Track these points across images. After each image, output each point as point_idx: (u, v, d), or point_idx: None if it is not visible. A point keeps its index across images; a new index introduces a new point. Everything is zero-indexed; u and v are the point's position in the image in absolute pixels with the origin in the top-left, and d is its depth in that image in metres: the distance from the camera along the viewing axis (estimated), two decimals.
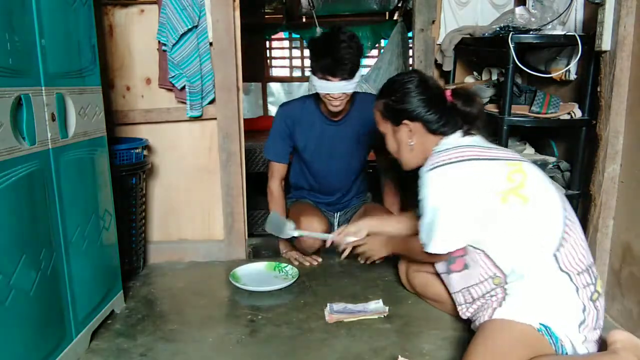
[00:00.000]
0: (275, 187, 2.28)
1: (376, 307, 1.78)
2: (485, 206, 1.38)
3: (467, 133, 1.54)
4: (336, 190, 2.34)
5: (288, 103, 2.30)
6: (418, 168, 1.57)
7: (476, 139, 1.52)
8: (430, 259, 1.57)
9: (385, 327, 1.67)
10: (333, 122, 2.20)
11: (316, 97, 2.19)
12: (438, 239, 1.45)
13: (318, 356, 1.51)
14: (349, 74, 1.95)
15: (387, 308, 1.76)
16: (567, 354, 1.29)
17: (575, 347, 1.29)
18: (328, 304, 1.79)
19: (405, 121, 1.54)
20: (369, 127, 2.23)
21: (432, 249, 1.47)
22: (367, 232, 1.89)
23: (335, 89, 1.97)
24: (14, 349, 1.20)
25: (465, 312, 1.55)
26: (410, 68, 3.88)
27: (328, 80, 1.96)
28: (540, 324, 1.29)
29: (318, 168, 2.28)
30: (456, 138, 1.52)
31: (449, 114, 1.53)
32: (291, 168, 2.38)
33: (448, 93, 1.56)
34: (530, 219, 1.37)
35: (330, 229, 2.28)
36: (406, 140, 1.57)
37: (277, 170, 2.28)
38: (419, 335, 1.62)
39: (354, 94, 2.20)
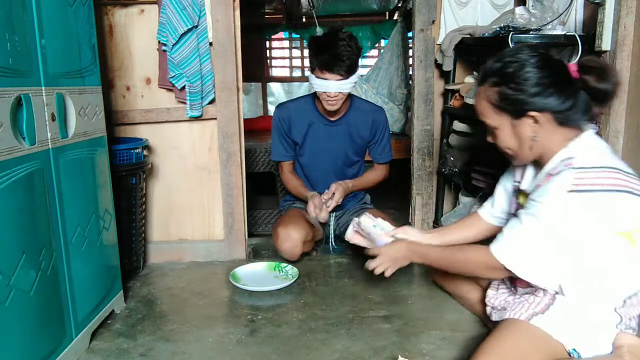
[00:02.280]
0: (287, 176, 2.32)
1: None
2: (595, 240, 1.20)
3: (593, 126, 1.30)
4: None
5: (283, 104, 2.32)
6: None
7: (615, 157, 1.25)
8: (489, 272, 1.34)
9: (385, 327, 1.67)
10: (330, 122, 2.22)
11: (314, 97, 2.21)
12: (524, 258, 1.24)
13: (318, 356, 1.51)
14: (347, 71, 1.97)
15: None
16: None
17: None
18: (355, 219, 1.75)
19: (532, 112, 1.24)
20: (365, 130, 2.25)
21: (509, 260, 1.26)
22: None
23: (333, 87, 1.99)
24: (14, 349, 1.20)
25: (494, 298, 1.50)
26: (410, 68, 3.88)
27: (325, 78, 1.98)
28: (573, 349, 1.24)
29: (313, 167, 2.30)
30: (595, 142, 1.26)
31: (579, 97, 1.23)
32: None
33: (574, 68, 1.24)
34: (628, 262, 1.22)
35: (314, 233, 2.28)
36: (530, 136, 1.27)
37: (285, 165, 2.34)
38: (419, 335, 1.62)
39: (352, 96, 2.22)
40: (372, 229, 1.69)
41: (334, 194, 2.15)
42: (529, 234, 1.24)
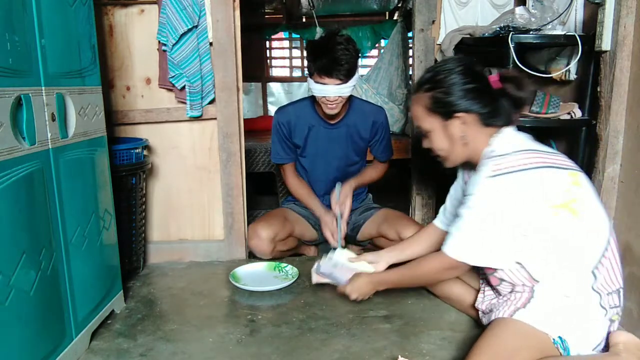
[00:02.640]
0: (293, 182, 2.33)
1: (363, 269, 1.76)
2: (536, 218, 1.28)
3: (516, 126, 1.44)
4: (331, 189, 2.34)
5: (283, 108, 2.32)
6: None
7: (533, 142, 1.39)
8: (449, 272, 1.44)
9: (385, 327, 1.67)
10: (330, 125, 2.22)
11: (313, 100, 2.21)
12: (473, 247, 1.33)
13: (318, 356, 1.51)
14: (345, 76, 1.96)
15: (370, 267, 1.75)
16: None
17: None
18: (315, 263, 1.81)
19: (459, 114, 1.39)
20: (365, 131, 2.26)
21: (460, 254, 1.35)
22: (386, 265, 1.78)
23: (332, 92, 1.98)
24: (13, 349, 1.20)
25: (479, 303, 1.55)
26: (410, 68, 3.88)
27: (324, 83, 1.97)
28: (559, 337, 1.27)
29: (316, 168, 2.30)
30: (513, 135, 1.39)
31: (500, 102, 1.40)
32: None
33: (496, 78, 1.41)
34: (576, 233, 1.29)
35: (294, 232, 2.29)
36: (458, 135, 1.41)
37: (289, 168, 2.33)
38: (419, 335, 1.62)
39: (351, 97, 2.23)
40: (332, 269, 1.79)
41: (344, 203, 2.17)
42: (470, 224, 1.33)
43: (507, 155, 1.30)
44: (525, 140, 1.38)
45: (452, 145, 1.44)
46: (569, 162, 1.34)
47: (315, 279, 1.81)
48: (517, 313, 1.33)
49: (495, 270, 1.41)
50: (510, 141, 1.37)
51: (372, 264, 1.79)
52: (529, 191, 1.26)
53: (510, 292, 1.42)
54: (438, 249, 1.72)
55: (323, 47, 1.96)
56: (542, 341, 1.27)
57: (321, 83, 1.98)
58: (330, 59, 1.93)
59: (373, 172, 2.38)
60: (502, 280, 1.43)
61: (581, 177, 1.32)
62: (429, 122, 1.46)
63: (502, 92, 1.39)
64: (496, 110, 1.39)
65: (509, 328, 1.31)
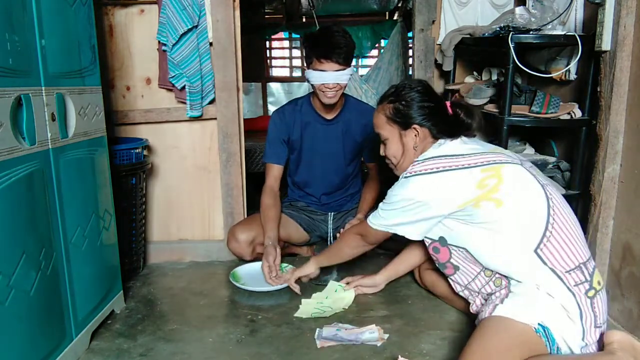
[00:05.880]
0: (267, 201, 2.19)
1: (370, 337, 1.59)
2: (450, 211, 1.43)
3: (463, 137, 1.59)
4: (328, 188, 2.35)
5: (280, 109, 2.32)
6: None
7: (462, 146, 1.52)
8: (366, 241, 1.70)
9: (385, 327, 1.67)
10: (326, 121, 2.23)
11: (309, 97, 2.23)
12: (383, 215, 1.56)
13: (318, 356, 1.51)
14: (344, 60, 1.99)
15: (384, 336, 1.60)
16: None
17: (572, 350, 1.30)
18: (317, 329, 1.64)
19: (415, 125, 1.57)
20: (360, 128, 2.26)
21: (372, 221, 1.61)
22: (384, 284, 1.94)
23: (331, 78, 2.00)
24: (13, 349, 1.20)
25: (472, 307, 1.58)
26: (410, 68, 3.89)
27: (324, 69, 1.99)
28: (539, 324, 1.29)
29: (313, 165, 2.29)
30: (448, 143, 1.54)
31: (452, 124, 1.57)
32: (288, 166, 2.39)
33: (447, 104, 1.60)
34: (506, 221, 1.38)
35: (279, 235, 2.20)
36: (412, 145, 1.59)
37: (273, 175, 2.24)
38: (419, 335, 1.62)
39: (346, 96, 2.23)
40: (335, 332, 1.63)
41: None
42: (382, 210, 1.58)
43: (421, 161, 1.47)
44: (458, 146, 1.51)
45: (404, 153, 1.61)
46: (490, 158, 1.43)
47: (320, 345, 1.57)
48: (496, 309, 1.37)
49: (449, 258, 1.55)
50: (441, 148, 1.51)
51: (371, 288, 1.93)
52: (434, 190, 1.42)
53: (486, 287, 1.51)
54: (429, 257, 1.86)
55: (321, 35, 2.01)
56: (524, 332, 1.29)
57: (320, 70, 2.00)
58: (330, 43, 1.98)
59: (372, 191, 2.33)
60: (456, 268, 1.56)
61: (504, 169, 1.41)
62: (388, 130, 1.63)
63: (454, 115, 1.58)
64: (447, 128, 1.56)
65: (491, 326, 1.34)
